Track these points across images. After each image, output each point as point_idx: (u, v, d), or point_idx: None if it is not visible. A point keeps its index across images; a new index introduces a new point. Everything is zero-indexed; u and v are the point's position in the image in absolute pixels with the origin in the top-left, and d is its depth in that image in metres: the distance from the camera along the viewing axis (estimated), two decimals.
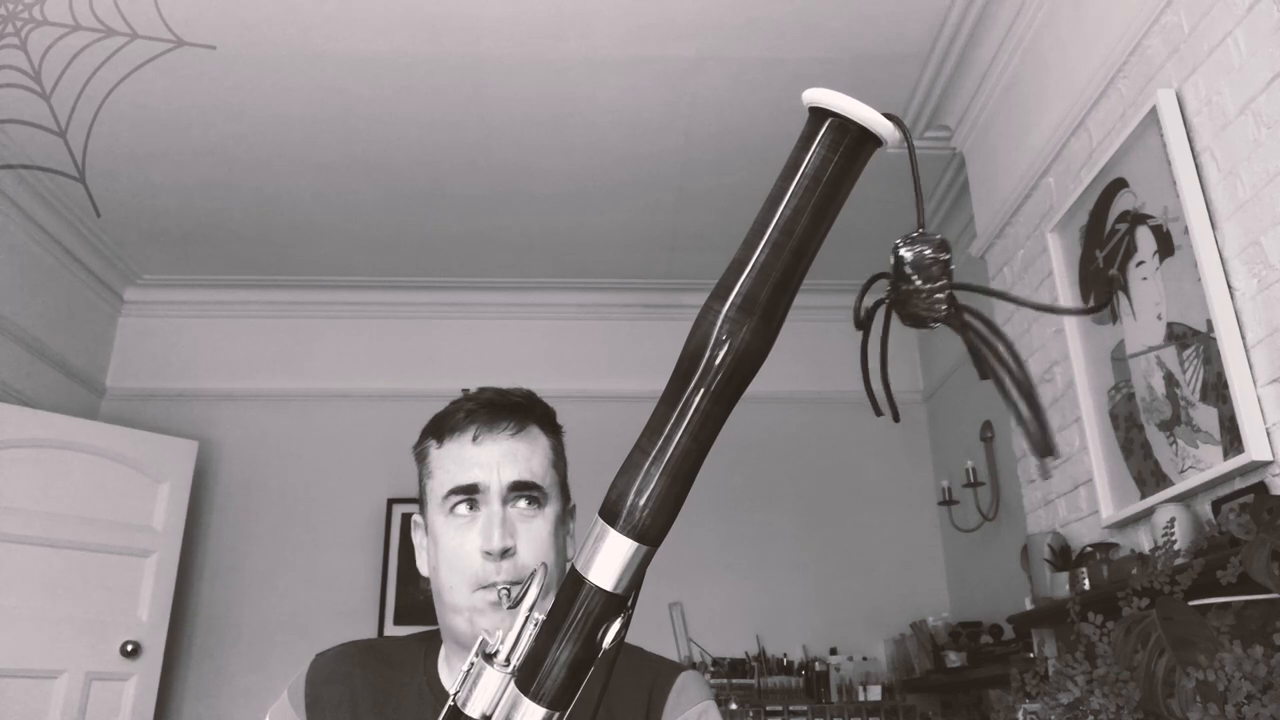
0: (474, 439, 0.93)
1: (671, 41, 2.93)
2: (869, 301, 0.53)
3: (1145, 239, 2.12)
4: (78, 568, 3.59)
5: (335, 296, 4.51)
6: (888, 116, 0.48)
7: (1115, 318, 2.27)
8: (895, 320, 0.51)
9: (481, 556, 0.89)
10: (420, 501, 0.98)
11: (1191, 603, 1.51)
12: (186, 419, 4.27)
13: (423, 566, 0.98)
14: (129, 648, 3.63)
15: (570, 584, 0.52)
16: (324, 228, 4.01)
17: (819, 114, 0.49)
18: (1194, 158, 1.94)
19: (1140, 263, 2.15)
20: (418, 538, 0.99)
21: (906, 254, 0.49)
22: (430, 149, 3.46)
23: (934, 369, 4.37)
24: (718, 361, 0.49)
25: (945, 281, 0.48)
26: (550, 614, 0.52)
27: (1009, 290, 2.91)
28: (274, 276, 4.41)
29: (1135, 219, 2.16)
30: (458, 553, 0.91)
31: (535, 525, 0.92)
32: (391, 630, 4.00)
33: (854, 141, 0.48)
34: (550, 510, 0.94)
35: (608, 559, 0.51)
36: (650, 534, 0.50)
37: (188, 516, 3.96)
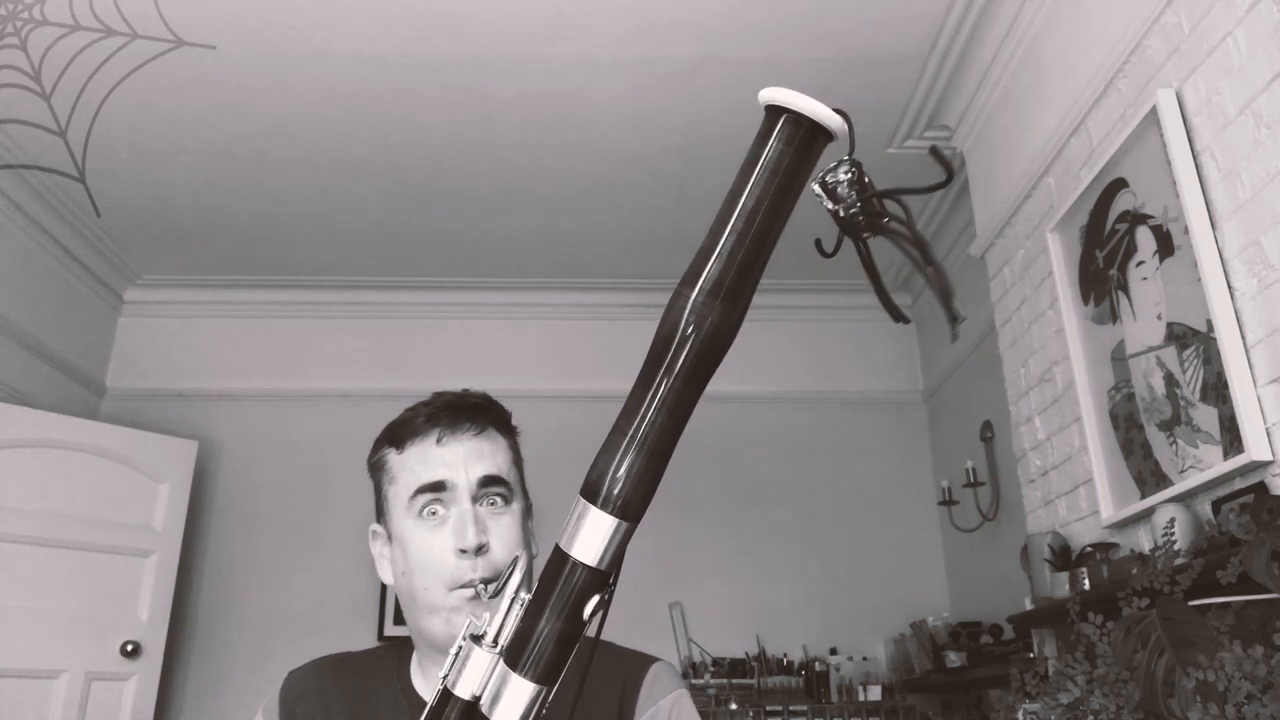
0: (438, 440, 0.93)
1: (671, 41, 2.93)
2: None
3: (1145, 239, 2.13)
4: (78, 568, 3.59)
5: (335, 296, 4.51)
6: (836, 111, 0.51)
7: (1115, 318, 2.27)
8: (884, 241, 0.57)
9: (455, 556, 0.89)
10: (379, 510, 0.98)
11: (1191, 603, 1.51)
12: (186, 419, 4.27)
13: (385, 575, 0.97)
14: (129, 648, 3.63)
15: (554, 561, 0.53)
16: (324, 228, 4.01)
17: (774, 111, 0.53)
18: (1194, 158, 1.94)
19: (1140, 263, 2.15)
20: (377, 547, 0.98)
21: (815, 186, 0.53)
22: (430, 149, 3.46)
23: (934, 369, 4.37)
24: (689, 343, 0.52)
25: (854, 197, 0.52)
26: (535, 591, 0.54)
27: (1008, 290, 2.91)
28: (274, 276, 4.41)
29: (1135, 219, 2.16)
30: (430, 554, 0.90)
31: (505, 521, 0.93)
32: (392, 631, 4.00)
33: (807, 135, 0.52)
34: (516, 506, 0.95)
35: (590, 535, 0.52)
36: (630, 510, 0.52)
37: (188, 516, 3.96)
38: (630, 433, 0.52)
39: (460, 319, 4.55)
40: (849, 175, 0.52)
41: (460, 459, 0.92)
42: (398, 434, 0.96)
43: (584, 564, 0.52)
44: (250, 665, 3.96)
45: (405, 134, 3.37)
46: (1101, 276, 2.31)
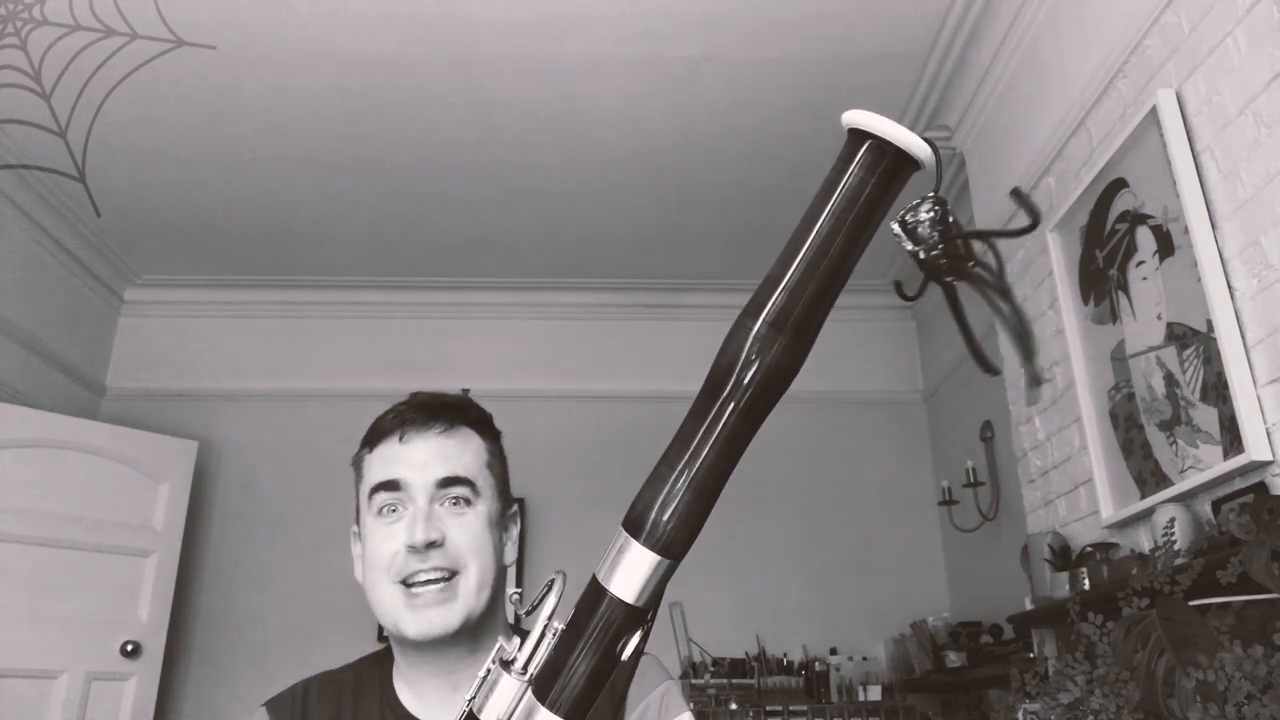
0: (401, 439, 0.93)
1: (671, 41, 2.93)
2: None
3: (1145, 239, 2.12)
4: (78, 568, 3.59)
5: (335, 296, 4.51)
6: (924, 140, 0.48)
7: (1115, 318, 2.27)
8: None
9: (406, 552, 0.89)
10: (356, 511, 0.98)
11: (1191, 603, 1.51)
12: (186, 419, 4.27)
13: (358, 574, 0.97)
14: (129, 648, 3.63)
15: (591, 594, 0.52)
16: (324, 228, 4.01)
17: (857, 135, 0.49)
18: (1194, 158, 1.94)
19: (1140, 263, 2.15)
20: (356, 549, 0.98)
21: (894, 225, 0.50)
22: (430, 149, 3.46)
23: (934, 369, 4.37)
24: (748, 378, 0.49)
25: (936, 238, 0.49)
26: (570, 624, 0.52)
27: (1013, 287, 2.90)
28: (274, 276, 4.41)
29: (1135, 219, 2.16)
30: (382, 552, 0.90)
31: (466, 520, 0.91)
32: None
33: (892, 164, 0.48)
34: (483, 508, 0.93)
35: (629, 571, 0.51)
36: (674, 548, 0.50)
37: (188, 516, 3.96)
38: (679, 467, 0.50)
39: (460, 319, 4.55)
40: (931, 214, 0.49)
41: (420, 458, 0.92)
42: (370, 434, 0.97)
43: (621, 600, 0.51)
44: (250, 665, 3.96)
45: (405, 134, 3.37)
46: (1101, 276, 2.31)
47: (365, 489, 0.94)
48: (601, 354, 4.53)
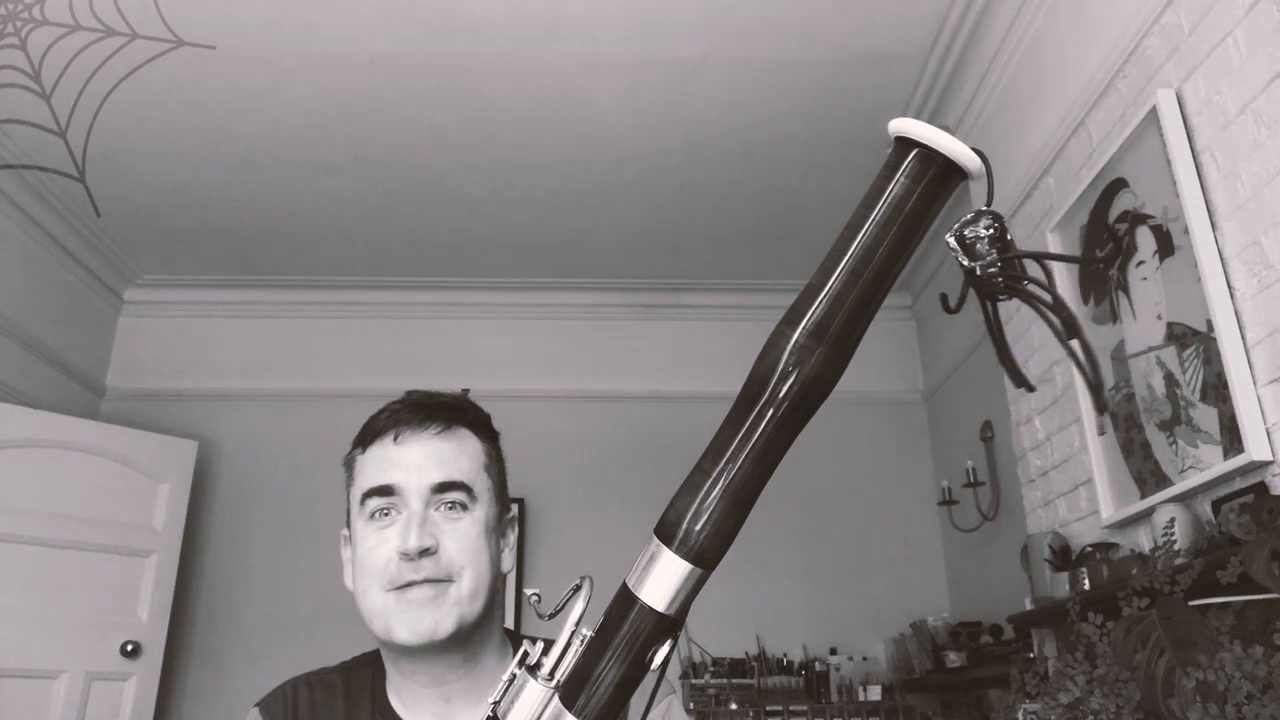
0: (395, 439, 0.90)
1: (671, 41, 2.93)
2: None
3: (1145, 239, 2.13)
4: (78, 568, 3.59)
5: (335, 296, 4.51)
6: (974, 150, 0.47)
7: (1115, 318, 2.27)
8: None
9: (399, 558, 0.86)
10: (346, 514, 0.94)
11: (1191, 603, 1.52)
12: (186, 419, 4.27)
13: (348, 581, 0.93)
14: (129, 648, 3.63)
15: (620, 602, 0.51)
16: (324, 228, 4.01)
17: (904, 144, 0.48)
18: (1194, 158, 1.94)
19: (1140, 263, 2.15)
20: (346, 553, 0.95)
21: (950, 239, 0.49)
22: (430, 149, 3.46)
23: (934, 369, 4.37)
24: (786, 388, 0.49)
25: (994, 256, 0.48)
26: (598, 631, 0.52)
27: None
28: (274, 276, 4.41)
29: (1135, 219, 2.16)
30: (374, 557, 0.87)
31: (462, 526, 0.88)
32: None
33: (939, 174, 0.48)
34: (479, 513, 0.90)
35: (660, 579, 0.50)
36: (707, 557, 0.50)
37: (188, 516, 3.96)
38: (715, 475, 0.50)
39: (460, 319, 4.55)
40: (990, 231, 0.48)
41: (415, 461, 0.89)
42: (363, 433, 0.94)
43: (651, 608, 0.50)
44: (250, 665, 3.96)
45: (404, 134, 3.37)
46: (1101, 276, 2.31)
47: (357, 492, 0.91)
48: (601, 354, 4.52)
